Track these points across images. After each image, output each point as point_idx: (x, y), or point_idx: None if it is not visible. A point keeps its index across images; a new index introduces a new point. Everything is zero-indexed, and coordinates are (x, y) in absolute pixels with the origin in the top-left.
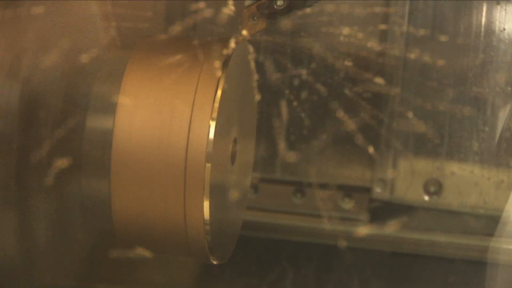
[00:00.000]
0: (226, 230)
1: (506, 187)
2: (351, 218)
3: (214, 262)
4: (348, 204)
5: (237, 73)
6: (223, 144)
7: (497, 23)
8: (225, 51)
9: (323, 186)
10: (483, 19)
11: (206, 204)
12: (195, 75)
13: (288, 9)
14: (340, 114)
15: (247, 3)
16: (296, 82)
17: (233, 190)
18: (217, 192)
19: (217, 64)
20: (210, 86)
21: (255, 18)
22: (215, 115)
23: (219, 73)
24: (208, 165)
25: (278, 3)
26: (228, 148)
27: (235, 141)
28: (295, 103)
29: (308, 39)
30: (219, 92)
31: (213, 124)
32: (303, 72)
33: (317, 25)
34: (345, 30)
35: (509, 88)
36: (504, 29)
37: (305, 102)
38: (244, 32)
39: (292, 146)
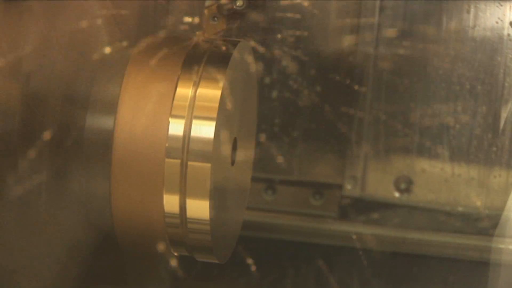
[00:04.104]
0: (226, 230)
1: (477, 184)
2: (322, 215)
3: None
4: (318, 201)
5: (238, 72)
6: (223, 144)
7: (467, 20)
8: (226, 51)
9: (294, 183)
10: (454, 17)
11: (206, 204)
12: (196, 75)
13: (248, 10)
14: (311, 111)
15: (207, 3)
16: (267, 80)
17: (233, 190)
18: (217, 192)
19: (218, 64)
20: (210, 86)
21: (216, 18)
22: (215, 115)
23: (219, 73)
24: (208, 165)
25: (238, 3)
26: (228, 148)
27: (235, 141)
28: (266, 101)
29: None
30: (219, 92)
31: (213, 124)
32: (275, 68)
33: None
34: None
35: (479, 87)
36: (474, 26)
37: (276, 99)
38: (204, 32)
39: (263, 143)
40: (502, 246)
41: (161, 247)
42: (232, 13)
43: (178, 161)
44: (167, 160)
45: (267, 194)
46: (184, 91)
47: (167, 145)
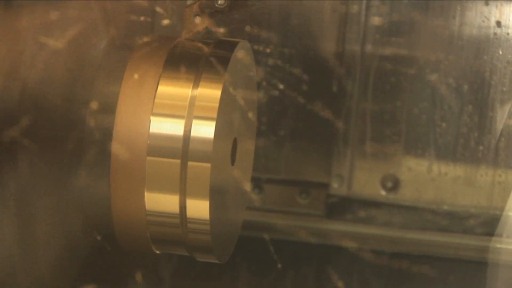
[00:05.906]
0: (226, 230)
1: (463, 183)
2: (309, 213)
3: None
4: (305, 200)
5: (237, 72)
6: (223, 144)
7: (453, 20)
8: (226, 51)
9: (280, 182)
10: (440, 16)
11: (206, 204)
12: (196, 75)
13: (229, 8)
14: (298, 110)
15: (189, 2)
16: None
17: (233, 190)
18: (217, 192)
19: (217, 63)
20: (210, 86)
21: (197, 17)
22: (215, 115)
23: (219, 73)
24: (208, 165)
25: (219, 2)
26: (228, 148)
27: (235, 141)
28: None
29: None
30: (219, 92)
31: (213, 124)
32: (261, 68)
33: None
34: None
35: (466, 86)
36: (461, 25)
37: (263, 98)
38: (186, 31)
39: None
40: (501, 246)
41: (162, 246)
42: (213, 12)
43: (179, 161)
44: (148, 158)
45: (253, 193)
46: (168, 89)
47: (148, 142)
